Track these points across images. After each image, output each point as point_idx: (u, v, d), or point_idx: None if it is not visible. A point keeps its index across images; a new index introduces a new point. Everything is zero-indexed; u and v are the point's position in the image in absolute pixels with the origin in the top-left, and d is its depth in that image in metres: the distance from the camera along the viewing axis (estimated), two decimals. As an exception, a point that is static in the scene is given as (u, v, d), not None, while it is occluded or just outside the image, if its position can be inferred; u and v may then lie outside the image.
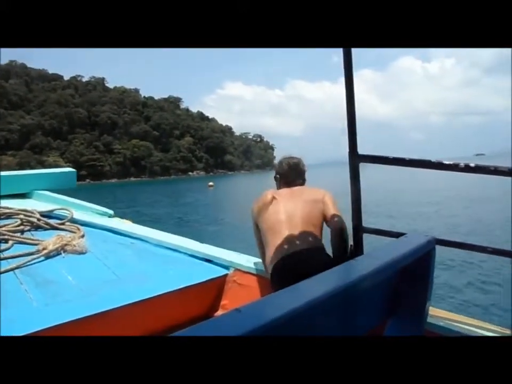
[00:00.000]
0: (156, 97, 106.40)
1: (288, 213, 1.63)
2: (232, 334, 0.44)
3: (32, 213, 2.59)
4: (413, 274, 0.94)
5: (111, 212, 3.03)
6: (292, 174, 1.81)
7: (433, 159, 1.23)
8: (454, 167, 1.14)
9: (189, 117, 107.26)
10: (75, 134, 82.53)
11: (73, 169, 3.95)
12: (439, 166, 1.18)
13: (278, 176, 1.86)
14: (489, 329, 1.24)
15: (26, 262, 1.87)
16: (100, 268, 1.91)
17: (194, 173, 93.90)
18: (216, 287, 1.89)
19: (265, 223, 1.67)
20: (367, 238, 1.45)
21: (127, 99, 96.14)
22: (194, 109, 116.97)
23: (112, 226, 2.61)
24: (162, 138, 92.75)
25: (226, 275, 1.92)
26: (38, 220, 2.53)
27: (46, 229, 2.49)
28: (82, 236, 2.33)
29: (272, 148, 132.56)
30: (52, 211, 2.80)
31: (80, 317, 1.38)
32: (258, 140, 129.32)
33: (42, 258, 1.97)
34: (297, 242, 1.55)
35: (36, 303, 1.50)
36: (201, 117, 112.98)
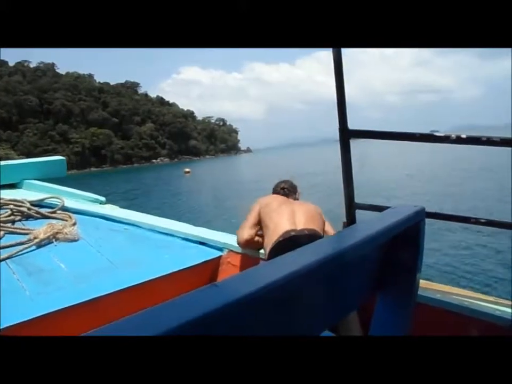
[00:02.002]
0: (112, 83, 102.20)
1: (292, 210, 1.75)
2: (205, 310, 0.42)
3: (22, 202, 2.56)
4: (402, 245, 0.92)
5: (102, 198, 2.99)
6: (287, 193, 2.00)
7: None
8: (445, 139, 1.14)
9: (148, 102, 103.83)
10: (27, 124, 77.51)
11: (63, 157, 3.86)
12: (430, 138, 1.18)
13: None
14: (483, 299, 1.26)
15: (17, 252, 1.87)
16: (92, 255, 1.90)
17: (158, 160, 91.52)
18: (210, 269, 1.90)
19: (268, 215, 1.75)
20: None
21: (81, 85, 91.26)
22: (152, 94, 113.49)
23: (104, 213, 2.59)
24: (122, 125, 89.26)
25: (220, 257, 1.92)
26: (29, 209, 2.51)
27: (37, 218, 2.47)
28: (74, 224, 2.33)
29: (236, 132, 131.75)
30: (42, 200, 2.76)
31: (73, 304, 1.38)
32: (222, 123, 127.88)
33: (34, 247, 1.96)
34: (297, 229, 1.65)
35: (28, 292, 1.49)
36: (161, 101, 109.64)
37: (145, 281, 1.58)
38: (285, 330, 0.61)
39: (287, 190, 2.00)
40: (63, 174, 3.73)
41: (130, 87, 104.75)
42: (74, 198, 2.97)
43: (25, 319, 1.27)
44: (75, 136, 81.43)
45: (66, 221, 2.38)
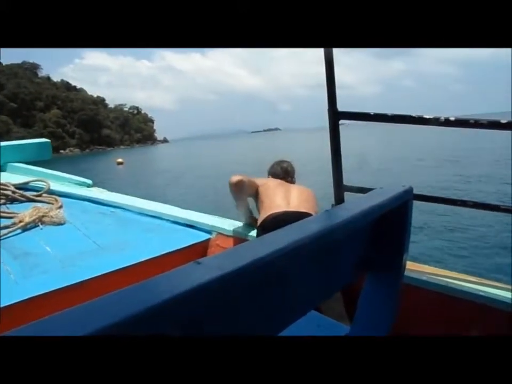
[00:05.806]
0: (4, 63, 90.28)
1: (288, 191, 1.84)
2: (186, 287, 0.41)
3: (6, 185, 2.52)
4: (390, 225, 0.90)
5: (89, 181, 2.97)
6: (284, 175, 2.08)
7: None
8: (434, 122, 1.15)
9: (52, 86, 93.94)
10: None
11: (48, 140, 3.68)
12: (420, 121, 1.18)
13: (270, 176, 2.09)
14: (469, 280, 1.28)
15: (2, 235, 1.86)
16: (79, 238, 1.90)
17: (67, 150, 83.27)
18: (199, 252, 1.88)
19: (265, 192, 1.79)
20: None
21: (-33, 63, 79.26)
22: (55, 79, 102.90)
23: (91, 196, 2.60)
24: (22, 111, 79.52)
25: (209, 239, 1.92)
26: (13, 192, 2.49)
27: (22, 202, 2.46)
28: (60, 207, 2.35)
29: (151, 121, 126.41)
30: (27, 183, 2.72)
31: (59, 287, 1.37)
32: (136, 112, 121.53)
33: (19, 231, 1.97)
34: (290, 208, 1.70)
35: (13, 275, 1.49)
36: (67, 86, 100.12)
37: (133, 264, 1.57)
38: (269, 310, 0.61)
39: (286, 169, 2.04)
40: (48, 156, 3.61)
41: (29, 69, 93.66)
42: (60, 181, 2.93)
43: (10, 303, 1.25)
44: (-38, 123, 70.65)
45: (52, 204, 2.39)
